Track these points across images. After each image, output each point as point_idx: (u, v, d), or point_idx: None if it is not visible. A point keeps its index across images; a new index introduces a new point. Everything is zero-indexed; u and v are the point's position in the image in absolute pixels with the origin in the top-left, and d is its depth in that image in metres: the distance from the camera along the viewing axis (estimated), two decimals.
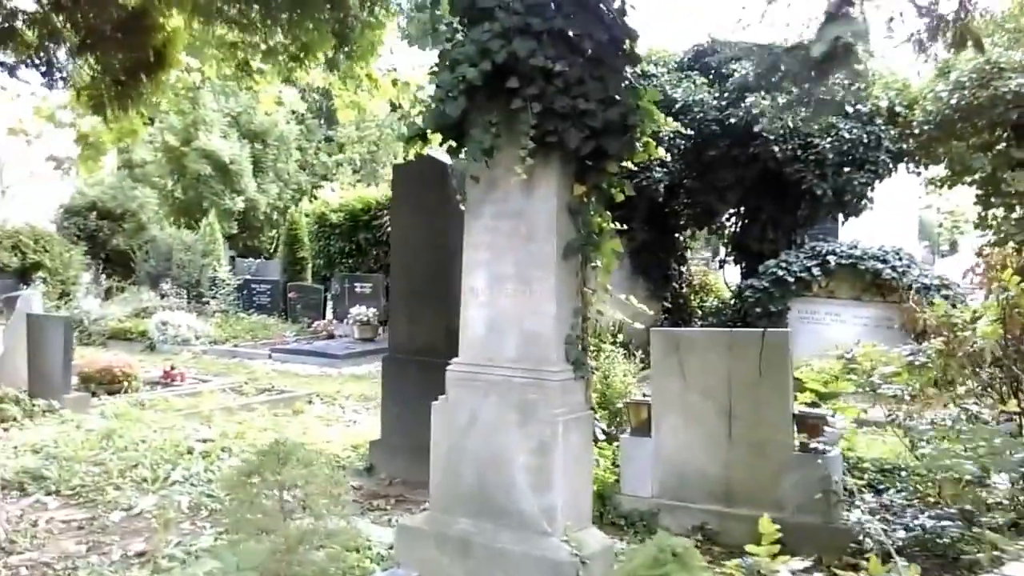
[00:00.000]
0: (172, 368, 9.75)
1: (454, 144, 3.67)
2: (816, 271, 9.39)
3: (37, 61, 6.35)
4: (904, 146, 10.54)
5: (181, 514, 4.59)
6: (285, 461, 3.65)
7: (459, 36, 3.46)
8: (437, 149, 4.01)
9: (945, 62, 9.97)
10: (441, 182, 5.25)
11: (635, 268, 11.44)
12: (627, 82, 3.43)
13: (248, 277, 17.17)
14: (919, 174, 11.71)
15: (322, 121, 28.61)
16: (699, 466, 4.28)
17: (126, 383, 8.75)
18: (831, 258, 9.37)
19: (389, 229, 14.79)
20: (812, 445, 3.98)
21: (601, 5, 3.38)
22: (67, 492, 4.96)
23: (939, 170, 11.11)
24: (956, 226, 29.11)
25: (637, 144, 3.48)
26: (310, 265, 17.22)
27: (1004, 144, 9.85)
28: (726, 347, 4.26)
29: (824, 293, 9.50)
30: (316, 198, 18.11)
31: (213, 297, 16.03)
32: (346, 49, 5.76)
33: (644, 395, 5.02)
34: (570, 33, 3.31)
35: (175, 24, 6.21)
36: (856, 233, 11.41)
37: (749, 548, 2.86)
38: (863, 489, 4.59)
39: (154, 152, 23.41)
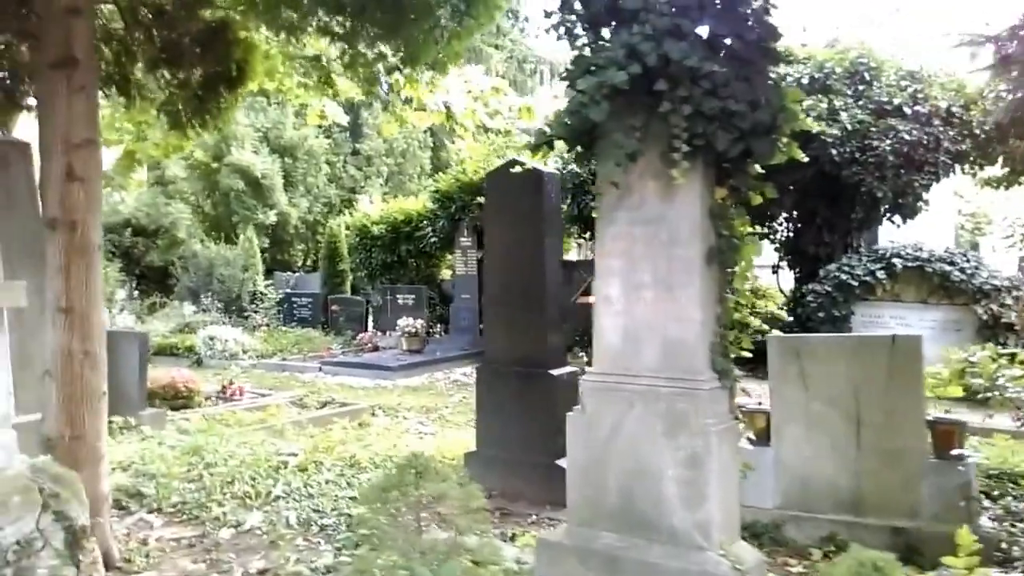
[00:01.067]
0: (231, 383, 9.74)
1: (580, 150, 3.62)
2: (881, 274, 9.25)
3: (116, 76, 6.37)
4: (963, 147, 10.40)
5: (291, 530, 4.53)
6: (422, 475, 3.60)
7: (597, 40, 3.40)
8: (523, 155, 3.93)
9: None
10: (536, 190, 5.20)
11: None
12: (772, 82, 3.36)
13: (288, 291, 17.19)
14: (975, 175, 11.55)
15: (348, 135, 28.72)
16: (825, 475, 4.17)
17: (190, 398, 8.76)
18: (897, 261, 9.23)
19: (433, 239, 14.85)
20: (954, 452, 3.87)
21: (744, 4, 3.30)
22: (169, 509, 4.92)
23: (995, 170, 11.00)
24: (978, 228, 28.83)
25: (779, 146, 3.39)
26: (349, 278, 17.24)
27: None
28: (851, 353, 4.16)
29: (889, 296, 9.36)
30: (354, 210, 18.14)
31: (255, 311, 16.05)
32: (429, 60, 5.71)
33: (758, 403, 4.93)
34: (716, 34, 3.25)
35: (254, 38, 6.21)
36: (894, 235, 11.23)
37: (946, 560, 2.76)
38: (992, 496, 4.47)
39: (186, 168, 23.55)
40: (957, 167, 10.59)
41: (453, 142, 25.94)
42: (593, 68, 3.29)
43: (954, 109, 10.45)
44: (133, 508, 4.93)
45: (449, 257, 15.77)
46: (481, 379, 5.46)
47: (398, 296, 14.82)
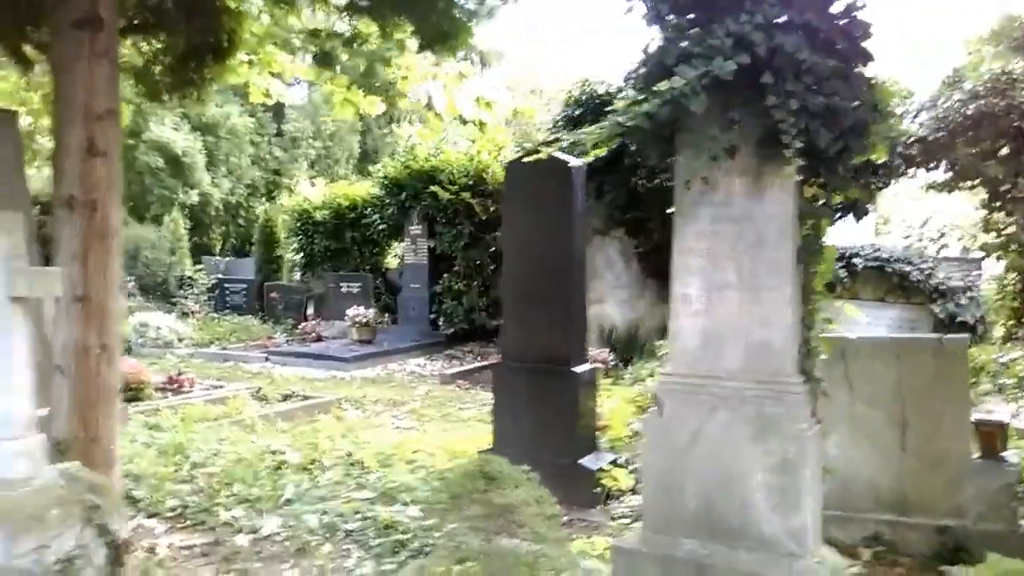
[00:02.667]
0: (179, 374, 9.16)
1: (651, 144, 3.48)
2: (842, 272, 9.51)
3: None
4: (912, 151, 10.80)
5: (314, 536, 4.23)
6: (493, 480, 3.40)
7: (690, 27, 3.26)
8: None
9: (956, 72, 10.36)
10: (562, 182, 5.03)
11: (648, 271, 11.40)
12: (868, 80, 3.30)
13: (221, 276, 16.38)
14: (914, 177, 12.05)
15: (272, 115, 27.62)
16: (868, 476, 4.19)
17: (140, 390, 8.19)
18: (857, 260, 9.51)
19: (381, 227, 14.42)
20: (1001, 453, 3.95)
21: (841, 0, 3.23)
22: (168, 514, 4.53)
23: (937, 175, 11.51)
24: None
25: (869, 144, 3.35)
26: (286, 264, 16.59)
27: (1008, 151, 10.25)
28: (897, 355, 4.19)
29: (848, 295, 9.63)
30: (292, 193, 17.45)
31: (184, 297, 15.22)
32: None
33: None
34: (818, 28, 3.16)
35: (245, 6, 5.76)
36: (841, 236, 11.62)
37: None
38: None
39: None
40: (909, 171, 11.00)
41: (397, 126, 25.29)
42: (691, 57, 3.15)
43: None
44: (129, 513, 4.50)
45: (395, 245, 15.39)
46: (498, 376, 5.26)
47: (342, 284, 14.33)
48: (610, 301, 11.94)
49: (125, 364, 8.57)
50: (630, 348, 10.77)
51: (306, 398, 8.75)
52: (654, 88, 3.24)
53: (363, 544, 4.13)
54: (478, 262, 13.30)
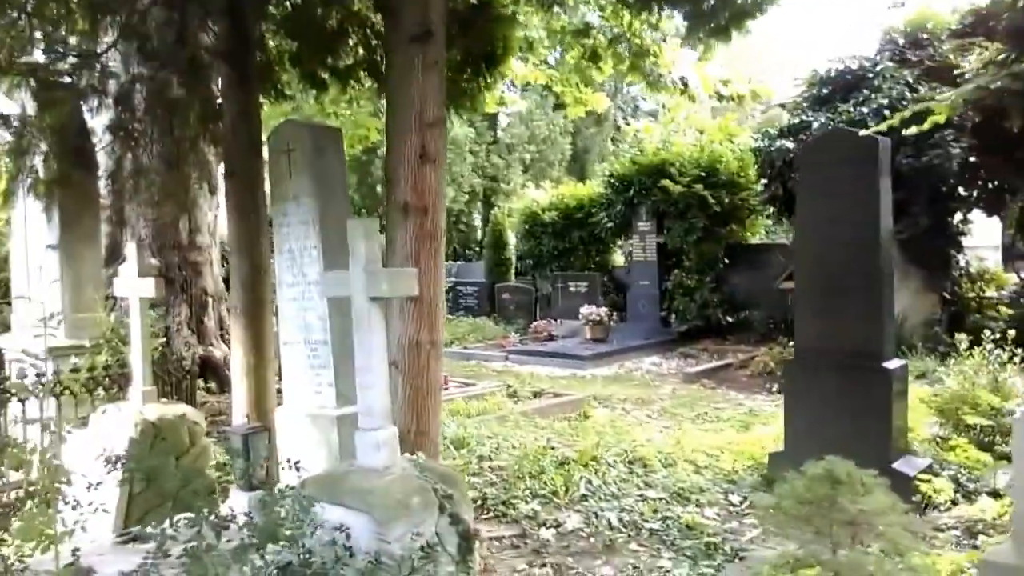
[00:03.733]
0: None
1: None
2: None
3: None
4: None
5: (617, 533, 4.20)
6: (841, 485, 3.16)
7: None
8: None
9: None
10: (867, 161, 4.64)
11: (910, 257, 10.41)
12: None
13: (454, 280, 17.19)
14: None
15: (488, 123, 28.67)
16: None
17: None
18: None
19: (608, 225, 14.41)
20: None
21: None
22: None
23: None
24: None
25: None
26: (514, 265, 17.08)
27: None
28: None
29: None
30: (518, 197, 17.94)
31: None
32: None
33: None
34: None
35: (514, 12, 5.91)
36: None
37: None
38: None
39: None
40: None
41: (622, 125, 25.31)
42: None
43: None
44: None
45: (620, 243, 15.32)
46: (792, 373, 4.97)
47: (569, 284, 14.50)
48: None
49: None
50: (900, 341, 9.86)
51: (556, 395, 8.88)
52: None
53: (670, 544, 4.04)
54: (711, 256, 12.89)
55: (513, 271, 17.11)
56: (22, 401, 5.11)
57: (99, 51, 5.55)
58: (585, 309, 12.75)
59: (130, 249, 4.71)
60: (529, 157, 28.17)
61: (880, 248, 4.56)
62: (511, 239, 17.03)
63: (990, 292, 11.34)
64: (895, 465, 4.53)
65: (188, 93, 5.72)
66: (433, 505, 3.02)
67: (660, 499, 4.63)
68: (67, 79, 5.54)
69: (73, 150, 5.82)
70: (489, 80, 6.03)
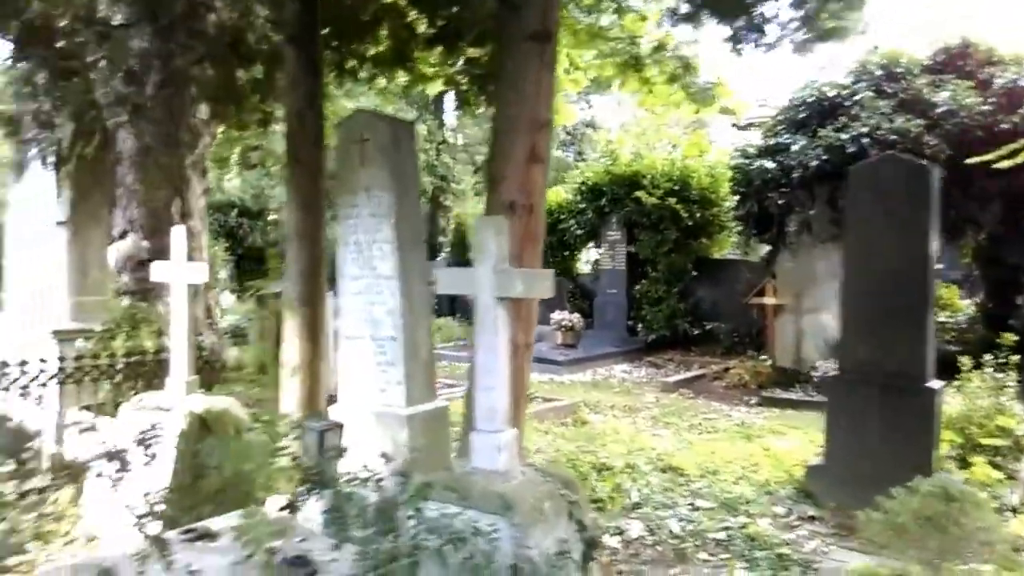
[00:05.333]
0: None
1: None
2: None
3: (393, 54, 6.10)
4: None
5: (682, 542, 4.22)
6: (955, 502, 3.26)
7: None
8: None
9: None
10: (912, 184, 4.81)
11: None
12: None
13: None
14: None
15: (439, 123, 28.42)
16: None
17: None
18: None
19: (578, 232, 14.49)
20: None
21: None
22: None
23: None
24: None
25: None
26: None
27: None
28: None
29: None
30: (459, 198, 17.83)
31: None
32: None
33: None
34: None
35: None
36: None
37: None
38: None
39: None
40: None
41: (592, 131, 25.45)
42: None
43: None
44: None
45: (585, 251, 15.44)
46: (835, 389, 5.09)
47: None
48: (831, 310, 11.40)
49: None
50: None
51: (546, 400, 8.89)
52: None
53: (738, 554, 4.08)
54: (680, 268, 13.14)
55: None
56: (23, 389, 4.80)
57: (119, 23, 5.27)
58: (557, 315, 12.78)
59: (177, 233, 4.47)
60: (480, 159, 28.08)
61: (928, 271, 4.74)
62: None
63: (942, 317, 11.95)
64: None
65: (215, 71, 5.49)
66: (563, 511, 2.97)
67: (711, 508, 4.67)
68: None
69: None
70: None
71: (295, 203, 4.52)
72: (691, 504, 4.73)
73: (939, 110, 10.13)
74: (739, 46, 5.25)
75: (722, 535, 4.29)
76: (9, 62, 4.81)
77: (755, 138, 12.43)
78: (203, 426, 4.30)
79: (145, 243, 7.53)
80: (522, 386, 3.68)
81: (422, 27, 6.00)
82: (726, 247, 14.15)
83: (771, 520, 4.62)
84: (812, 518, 4.73)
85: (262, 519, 2.78)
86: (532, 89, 3.50)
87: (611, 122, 18.38)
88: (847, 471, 4.93)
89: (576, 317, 12.74)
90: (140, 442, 3.43)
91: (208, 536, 3.64)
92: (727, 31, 5.31)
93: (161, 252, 7.64)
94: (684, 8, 5.36)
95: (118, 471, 3.06)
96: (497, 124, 3.60)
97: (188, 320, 4.40)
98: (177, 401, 4.34)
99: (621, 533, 4.31)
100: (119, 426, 4.43)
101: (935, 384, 4.79)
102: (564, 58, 5.96)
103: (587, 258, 15.79)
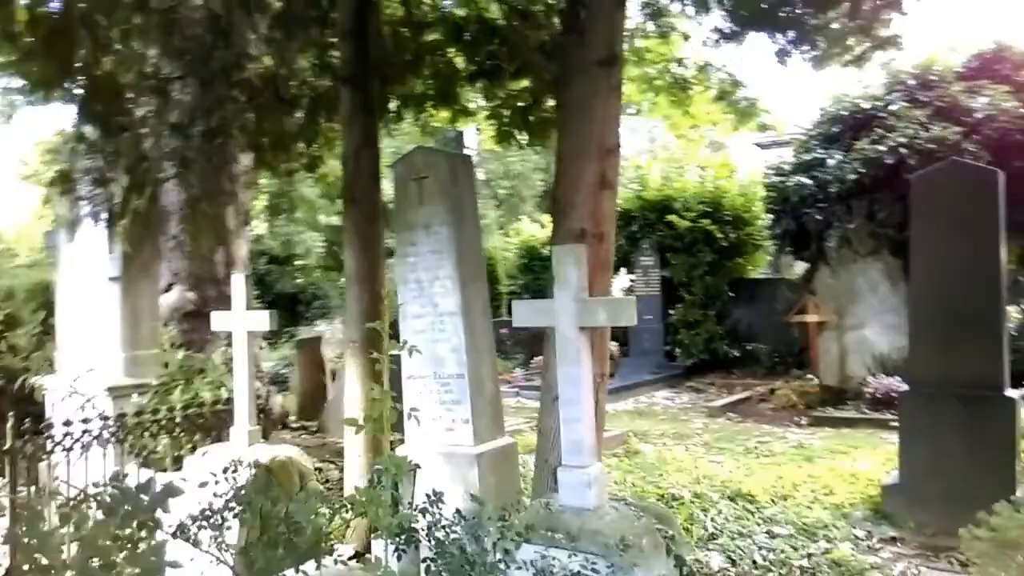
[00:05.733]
0: None
1: None
2: None
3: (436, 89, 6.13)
4: None
5: (767, 571, 4.08)
6: None
7: None
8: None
9: None
10: (979, 189, 4.70)
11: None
12: None
13: None
14: None
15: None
16: None
17: None
18: None
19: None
20: None
21: None
22: None
23: None
24: None
25: None
26: (506, 300, 16.95)
27: None
28: None
29: None
30: (513, 232, 17.92)
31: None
32: None
33: None
34: None
35: None
36: None
37: None
38: None
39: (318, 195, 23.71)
40: None
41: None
42: None
43: None
44: None
45: (618, 277, 15.35)
46: (907, 404, 4.94)
47: None
48: (873, 325, 11.24)
49: None
50: None
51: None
52: None
53: None
54: (716, 290, 13.01)
55: (504, 306, 16.99)
56: (84, 448, 4.76)
57: (166, 77, 5.33)
58: None
59: (236, 281, 4.46)
60: (503, 192, 28.24)
61: (1000, 277, 4.61)
62: (502, 274, 16.93)
63: None
64: (1020, 495, 4.51)
65: (261, 119, 5.53)
66: (661, 547, 2.86)
67: (789, 535, 4.53)
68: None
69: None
70: None
71: (354, 245, 4.49)
72: (767, 531, 4.58)
73: (978, 116, 10.01)
74: (787, 59, 5.20)
75: (805, 562, 4.14)
76: (74, 121, 4.88)
77: (786, 155, 12.37)
78: (269, 476, 4.25)
79: (190, 295, 7.59)
80: (600, 418, 3.59)
81: (461, 63, 6.04)
82: (761, 266, 14.01)
83: (852, 544, 4.46)
84: (893, 539, 4.56)
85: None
86: (600, 114, 3.47)
87: (637, 147, 18.36)
88: (925, 489, 4.77)
89: (615, 345, 12.60)
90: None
91: None
92: (766, 46, 5.30)
93: (205, 303, 7.70)
94: (727, 27, 5.34)
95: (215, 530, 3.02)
96: (563, 151, 3.57)
97: (250, 369, 4.37)
98: (242, 452, 4.29)
99: (700, 563, 4.17)
100: (186, 480, 4.39)
101: (1013, 393, 4.63)
102: None
103: (618, 285, 15.67)
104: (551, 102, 6.06)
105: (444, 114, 6.12)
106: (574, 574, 2.63)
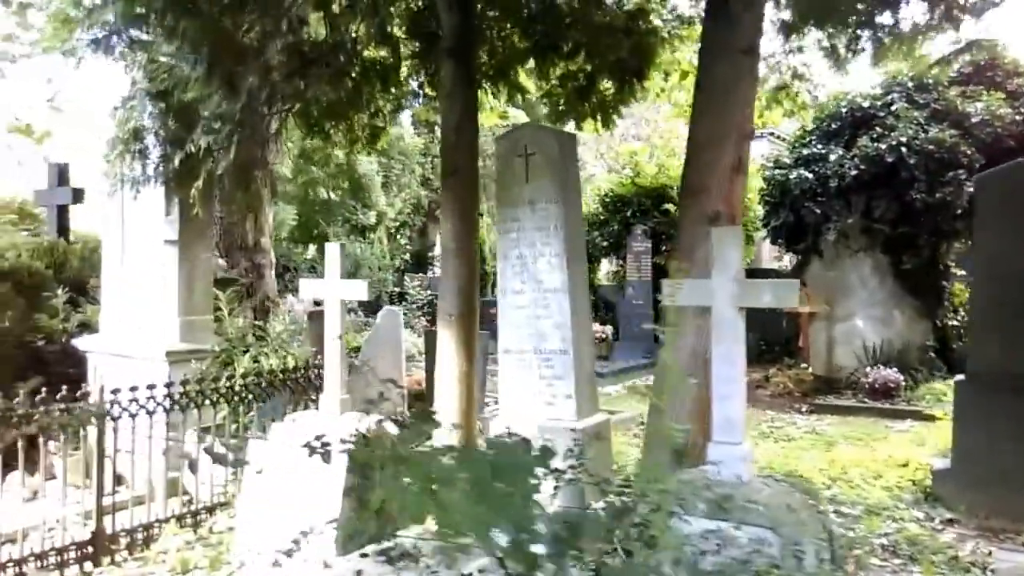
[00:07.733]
0: None
1: None
2: None
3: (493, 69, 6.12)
4: None
5: (850, 547, 4.25)
6: None
7: None
8: None
9: None
10: None
11: (908, 287, 11.06)
12: None
13: (432, 293, 16.93)
14: None
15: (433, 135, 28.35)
16: None
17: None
18: None
19: (601, 244, 14.58)
20: None
21: None
22: None
23: None
24: None
25: None
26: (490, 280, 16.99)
27: None
28: None
29: None
30: None
31: (404, 313, 15.76)
32: None
33: None
34: None
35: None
36: None
37: None
38: None
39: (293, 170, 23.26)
40: None
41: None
42: None
43: None
44: None
45: (605, 262, 15.52)
46: (964, 393, 5.17)
47: None
48: (860, 317, 11.63)
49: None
50: (903, 365, 10.44)
51: (611, 412, 8.87)
52: None
53: (908, 557, 4.12)
54: None
55: (490, 284, 17.02)
56: (132, 416, 4.68)
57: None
58: None
59: (331, 250, 4.41)
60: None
61: None
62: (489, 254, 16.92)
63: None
64: None
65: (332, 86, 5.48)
66: (816, 520, 2.99)
67: (857, 516, 4.72)
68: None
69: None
70: (627, 95, 6.03)
71: (454, 214, 4.47)
72: (835, 511, 4.77)
73: (973, 120, 10.41)
74: (848, 55, 5.33)
75: (884, 540, 4.33)
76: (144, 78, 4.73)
77: (779, 148, 12.64)
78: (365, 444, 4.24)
79: (222, 261, 7.43)
80: (703, 401, 3.69)
81: (518, 41, 6.02)
82: (750, 256, 14.32)
83: (916, 524, 4.67)
84: (950, 521, 4.79)
85: None
86: (741, 100, 3.55)
87: (632, 135, 18.50)
88: (977, 473, 5.01)
89: (609, 329, 12.79)
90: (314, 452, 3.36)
91: (408, 556, 3.58)
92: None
93: (235, 269, 7.56)
94: (786, 16, 5.44)
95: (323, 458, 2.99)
96: (698, 135, 3.64)
97: (342, 337, 4.35)
98: (335, 419, 4.28)
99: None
100: (273, 448, 4.35)
101: None
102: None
103: (606, 269, 15.87)
104: (607, 84, 6.10)
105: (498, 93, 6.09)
106: (753, 548, 2.73)
